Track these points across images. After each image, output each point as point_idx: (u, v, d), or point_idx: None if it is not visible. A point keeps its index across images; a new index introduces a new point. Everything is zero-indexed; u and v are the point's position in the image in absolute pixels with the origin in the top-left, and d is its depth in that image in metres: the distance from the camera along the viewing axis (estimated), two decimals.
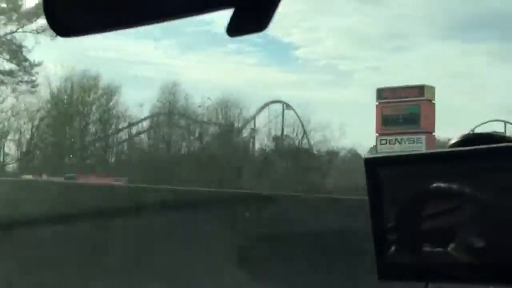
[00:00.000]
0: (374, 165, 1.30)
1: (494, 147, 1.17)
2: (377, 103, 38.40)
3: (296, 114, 38.77)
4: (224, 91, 40.08)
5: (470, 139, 1.32)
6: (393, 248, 1.27)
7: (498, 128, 40.46)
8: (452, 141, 1.35)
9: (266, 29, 0.95)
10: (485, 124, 39.87)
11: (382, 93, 38.83)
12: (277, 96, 40.76)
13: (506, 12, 38.75)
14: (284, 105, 39.19)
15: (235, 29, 0.96)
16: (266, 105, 38.57)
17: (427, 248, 1.24)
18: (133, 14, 1.05)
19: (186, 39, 40.96)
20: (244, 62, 39.17)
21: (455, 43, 45.08)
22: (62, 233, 10.20)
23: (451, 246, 1.20)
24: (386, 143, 37.29)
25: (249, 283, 10.29)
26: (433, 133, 37.08)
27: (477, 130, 36.20)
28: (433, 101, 39.19)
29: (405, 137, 37.18)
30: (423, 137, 36.70)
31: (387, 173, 1.28)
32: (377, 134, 38.53)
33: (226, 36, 0.97)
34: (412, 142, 36.89)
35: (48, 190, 12.88)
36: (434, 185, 1.22)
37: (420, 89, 38.40)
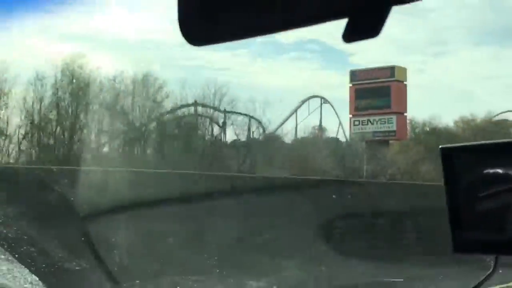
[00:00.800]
0: (449, 153, 1.38)
1: None
2: (350, 85, 36.53)
3: (332, 107, 38.47)
4: (285, 91, 39.98)
5: None
6: (466, 225, 1.36)
7: None
8: None
9: (378, 35, 0.98)
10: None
11: (355, 75, 37.87)
12: (333, 95, 40.92)
13: None
14: (322, 100, 38.92)
15: (350, 36, 0.98)
16: (307, 99, 38.33)
17: (496, 226, 1.33)
18: (260, 24, 1.10)
19: (257, 48, 42.23)
20: (306, 67, 41.13)
21: (488, 48, 46.34)
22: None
23: None
24: (359, 123, 35.97)
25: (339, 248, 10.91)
26: (405, 114, 35.63)
27: None
28: (404, 82, 37.92)
29: (377, 117, 35.75)
30: (394, 117, 35.07)
31: (461, 160, 1.37)
32: (351, 116, 37.18)
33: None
34: (383, 122, 35.40)
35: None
36: (502, 170, 1.30)
37: (391, 70, 37.33)
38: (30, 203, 8.72)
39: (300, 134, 35.75)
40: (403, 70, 37.62)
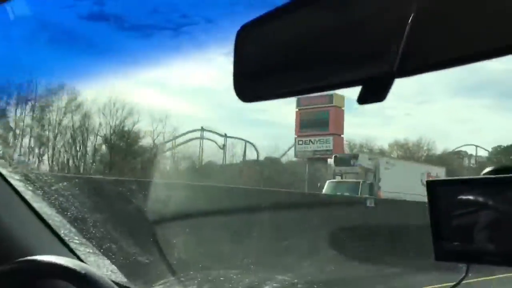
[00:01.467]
0: (434, 185, 1.41)
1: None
2: (296, 110, 36.78)
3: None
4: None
5: (498, 169, 1.40)
6: (445, 239, 1.38)
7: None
8: (486, 170, 1.43)
9: (384, 99, 0.99)
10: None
11: (300, 101, 36.33)
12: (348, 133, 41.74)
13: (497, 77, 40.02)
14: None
15: (363, 100, 0.99)
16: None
17: (467, 240, 1.35)
18: (293, 88, 1.12)
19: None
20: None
21: (461, 99, 47.87)
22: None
23: (488, 239, 1.31)
24: (303, 143, 35.57)
25: None
26: (342, 135, 34.98)
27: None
28: (342, 108, 37.12)
29: (317, 138, 35.37)
30: (331, 138, 34.72)
31: (442, 189, 1.40)
32: (296, 136, 36.73)
33: None
34: (322, 142, 35.12)
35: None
36: (472, 197, 1.33)
37: (329, 97, 36.01)
38: (111, 210, 8.81)
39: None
40: (341, 98, 37.01)
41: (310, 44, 1.06)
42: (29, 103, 28.00)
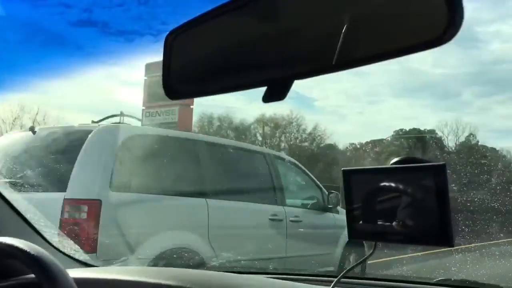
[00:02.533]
0: (349, 173, 1.51)
1: (414, 166, 1.40)
2: (145, 78, 33.36)
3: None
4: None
5: (405, 159, 1.49)
6: (357, 221, 1.49)
7: None
8: (394, 160, 1.51)
9: (285, 98, 1.07)
10: None
11: (150, 68, 31.94)
12: None
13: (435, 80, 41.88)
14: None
15: (267, 99, 1.07)
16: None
17: (379, 222, 1.45)
18: (214, 86, 1.20)
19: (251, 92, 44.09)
20: (284, 108, 43.44)
21: (405, 99, 49.70)
22: None
23: (392, 220, 1.41)
24: (149, 115, 32.91)
25: None
26: (191, 106, 33.10)
27: None
28: None
29: (163, 109, 32.76)
30: (176, 108, 32.29)
31: (356, 177, 1.50)
32: (144, 108, 34.13)
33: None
34: (168, 114, 32.44)
35: None
36: (379, 184, 1.43)
37: None
38: None
39: None
40: None
41: (225, 49, 1.16)
42: None
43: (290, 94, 1.09)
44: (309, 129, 41.64)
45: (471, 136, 41.84)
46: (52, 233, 2.83)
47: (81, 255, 2.90)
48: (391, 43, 0.94)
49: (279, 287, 2.03)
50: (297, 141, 41.97)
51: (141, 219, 6.32)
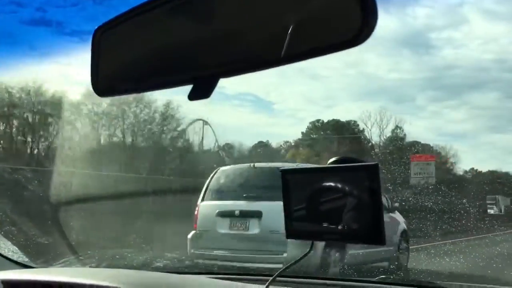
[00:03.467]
0: (286, 173, 1.47)
1: (349, 165, 1.39)
2: None
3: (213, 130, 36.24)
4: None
5: (341, 159, 1.48)
6: (294, 220, 1.45)
7: None
8: (331, 160, 1.49)
9: (209, 97, 1.06)
10: None
11: None
12: (259, 131, 42.82)
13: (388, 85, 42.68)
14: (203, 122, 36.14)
15: (192, 97, 1.06)
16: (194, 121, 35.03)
17: (314, 221, 1.41)
18: (142, 84, 1.18)
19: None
20: (243, 111, 43.65)
21: (359, 102, 50.27)
22: None
23: (329, 219, 1.38)
24: None
25: None
26: None
27: None
28: None
29: None
30: None
31: (293, 177, 1.46)
32: None
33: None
34: None
35: None
36: (319, 184, 1.39)
37: None
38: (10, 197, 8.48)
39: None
40: None
41: (153, 46, 1.14)
42: None
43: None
44: None
45: (398, 129, 38.20)
46: None
47: (20, 256, 2.80)
48: (311, 44, 0.96)
49: (215, 286, 2.00)
50: None
51: None
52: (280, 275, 1.57)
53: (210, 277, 2.32)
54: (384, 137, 37.96)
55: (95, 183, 11.69)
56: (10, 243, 2.95)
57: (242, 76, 1.08)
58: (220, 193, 8.05)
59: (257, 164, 8.18)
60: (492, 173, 34.15)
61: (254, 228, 7.60)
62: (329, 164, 1.48)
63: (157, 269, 4.96)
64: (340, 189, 1.36)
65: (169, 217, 11.75)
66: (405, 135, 37.31)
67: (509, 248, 13.16)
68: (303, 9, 0.96)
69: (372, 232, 1.33)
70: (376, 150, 37.29)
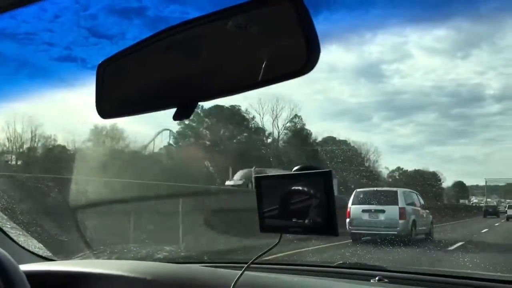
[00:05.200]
0: (259, 179, 1.49)
1: (308, 172, 1.40)
2: None
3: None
4: None
5: (304, 167, 1.47)
6: (266, 217, 1.48)
7: None
8: (296, 168, 1.47)
9: (189, 118, 1.16)
10: None
11: None
12: None
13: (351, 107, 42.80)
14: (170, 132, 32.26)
15: (176, 117, 1.12)
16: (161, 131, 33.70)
17: (281, 217, 1.44)
18: (143, 106, 1.24)
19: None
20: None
21: (327, 123, 50.18)
22: None
23: (293, 216, 1.41)
24: None
25: None
26: None
27: None
28: None
29: None
30: None
31: (264, 182, 1.49)
32: None
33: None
34: None
35: None
36: (286, 188, 1.42)
37: None
38: (37, 202, 8.37)
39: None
40: None
41: (145, 77, 1.20)
42: None
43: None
44: None
45: (296, 117, 34.91)
46: (18, 234, 2.73)
47: (44, 252, 2.80)
48: (270, 73, 1.03)
49: (203, 272, 2.04)
50: None
51: None
52: (254, 262, 1.60)
53: (201, 266, 2.36)
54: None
55: (107, 189, 11.60)
56: (36, 240, 2.95)
57: (217, 100, 1.16)
58: (360, 200, 13.42)
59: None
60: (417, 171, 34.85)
61: (381, 217, 12.98)
62: (294, 171, 1.50)
63: (158, 260, 4.96)
64: (303, 191, 1.39)
65: (169, 217, 11.74)
66: (304, 124, 35.29)
67: None
68: (263, 48, 1.04)
69: (328, 225, 1.35)
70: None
